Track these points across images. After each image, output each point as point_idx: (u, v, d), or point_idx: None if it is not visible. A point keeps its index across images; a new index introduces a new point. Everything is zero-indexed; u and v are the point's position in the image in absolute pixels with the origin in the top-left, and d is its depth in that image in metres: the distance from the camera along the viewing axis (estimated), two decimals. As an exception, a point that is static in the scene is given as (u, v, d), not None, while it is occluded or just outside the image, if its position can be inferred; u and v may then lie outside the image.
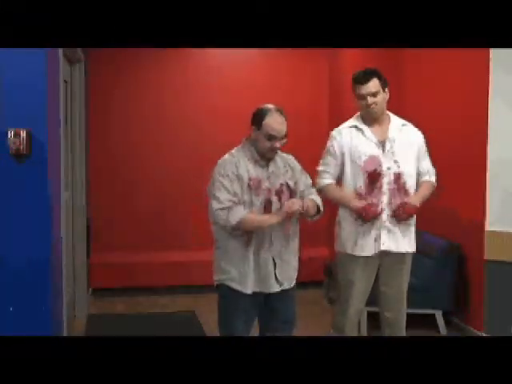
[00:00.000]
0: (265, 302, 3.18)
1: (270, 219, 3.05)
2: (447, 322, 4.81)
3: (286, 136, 3.09)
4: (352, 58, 6.14)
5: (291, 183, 3.17)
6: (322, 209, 3.23)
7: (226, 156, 3.15)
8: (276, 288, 3.14)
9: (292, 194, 3.15)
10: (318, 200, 3.26)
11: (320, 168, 3.60)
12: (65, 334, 3.87)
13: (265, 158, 3.11)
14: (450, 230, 4.91)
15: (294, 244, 3.23)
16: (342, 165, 3.53)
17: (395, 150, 3.46)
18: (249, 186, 3.06)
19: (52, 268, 3.40)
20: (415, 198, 3.48)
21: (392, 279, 3.56)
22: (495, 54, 4.27)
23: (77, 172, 5.09)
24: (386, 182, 3.43)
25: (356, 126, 3.53)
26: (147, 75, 6.39)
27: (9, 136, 3.21)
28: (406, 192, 3.46)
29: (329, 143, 3.59)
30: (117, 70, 6.30)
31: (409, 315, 3.69)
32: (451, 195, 4.74)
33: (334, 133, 3.59)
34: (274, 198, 3.09)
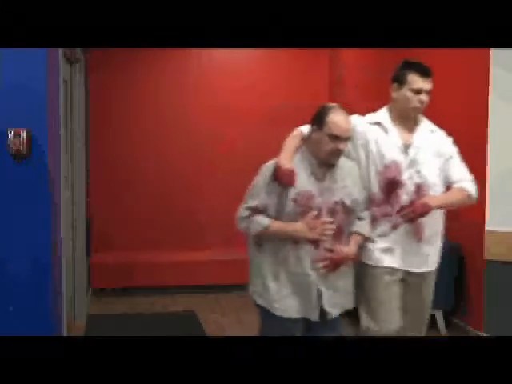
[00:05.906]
0: (308, 327, 2.84)
1: (298, 231, 2.72)
2: (447, 322, 4.82)
3: (349, 138, 2.81)
4: (352, 58, 6.13)
5: (347, 201, 2.82)
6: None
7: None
8: (318, 317, 2.80)
9: (346, 213, 2.83)
10: (366, 230, 2.94)
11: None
12: (65, 334, 3.86)
13: (325, 164, 2.77)
14: (450, 230, 4.89)
15: (346, 264, 2.85)
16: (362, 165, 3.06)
17: (419, 158, 3.05)
18: (295, 200, 2.73)
19: (52, 268, 3.40)
20: (434, 199, 3.01)
21: (413, 301, 3.24)
22: (495, 53, 4.27)
23: (77, 172, 5.09)
24: (405, 192, 3.01)
25: (380, 124, 3.09)
26: (147, 75, 6.40)
27: (9, 136, 3.21)
28: None
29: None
30: (117, 70, 6.30)
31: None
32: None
33: (359, 126, 3.05)
34: (326, 217, 2.75)
